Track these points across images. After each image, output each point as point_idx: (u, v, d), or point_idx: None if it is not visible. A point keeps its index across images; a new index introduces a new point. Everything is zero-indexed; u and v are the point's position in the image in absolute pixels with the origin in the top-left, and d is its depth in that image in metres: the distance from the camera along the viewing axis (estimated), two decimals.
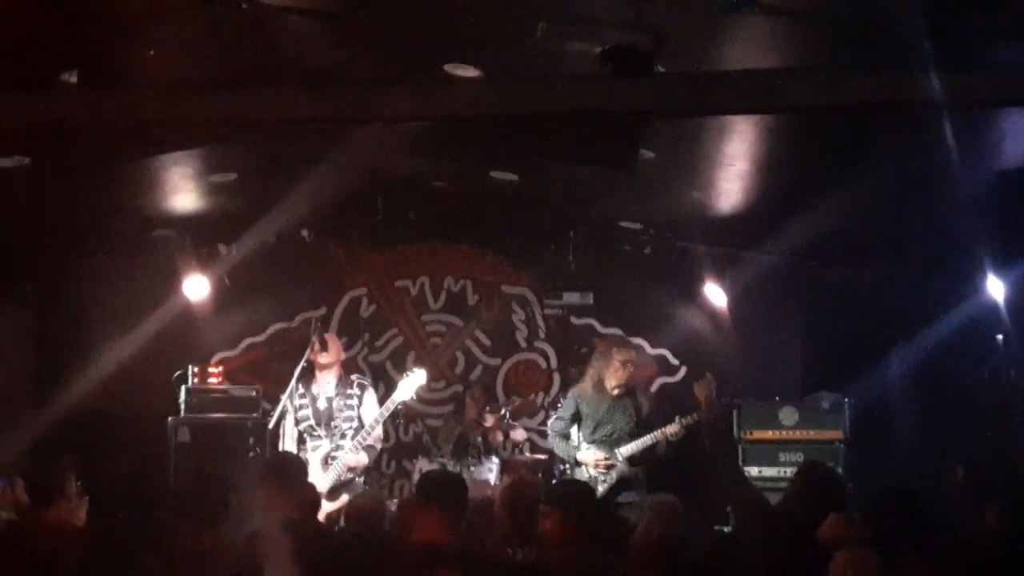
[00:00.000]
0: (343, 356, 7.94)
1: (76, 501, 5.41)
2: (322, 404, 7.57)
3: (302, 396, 7.60)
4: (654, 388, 9.53)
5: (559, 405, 9.02)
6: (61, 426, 8.61)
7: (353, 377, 7.85)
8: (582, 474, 7.76)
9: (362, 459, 7.46)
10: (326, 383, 7.64)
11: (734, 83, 5.18)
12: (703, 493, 7.72)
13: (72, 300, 9.53)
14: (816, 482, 4.90)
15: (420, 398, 8.03)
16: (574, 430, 7.99)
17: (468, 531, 4.81)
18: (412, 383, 7.60)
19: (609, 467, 7.72)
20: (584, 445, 7.85)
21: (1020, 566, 4.25)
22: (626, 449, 7.71)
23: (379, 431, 7.58)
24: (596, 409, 7.82)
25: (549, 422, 8.40)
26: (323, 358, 7.62)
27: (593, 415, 7.83)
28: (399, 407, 7.66)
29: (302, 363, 7.64)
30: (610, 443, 7.74)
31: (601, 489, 7.61)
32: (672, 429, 7.64)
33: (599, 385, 7.85)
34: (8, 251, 8.26)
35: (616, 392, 7.79)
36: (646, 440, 7.68)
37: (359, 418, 7.58)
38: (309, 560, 4.34)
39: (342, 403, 7.59)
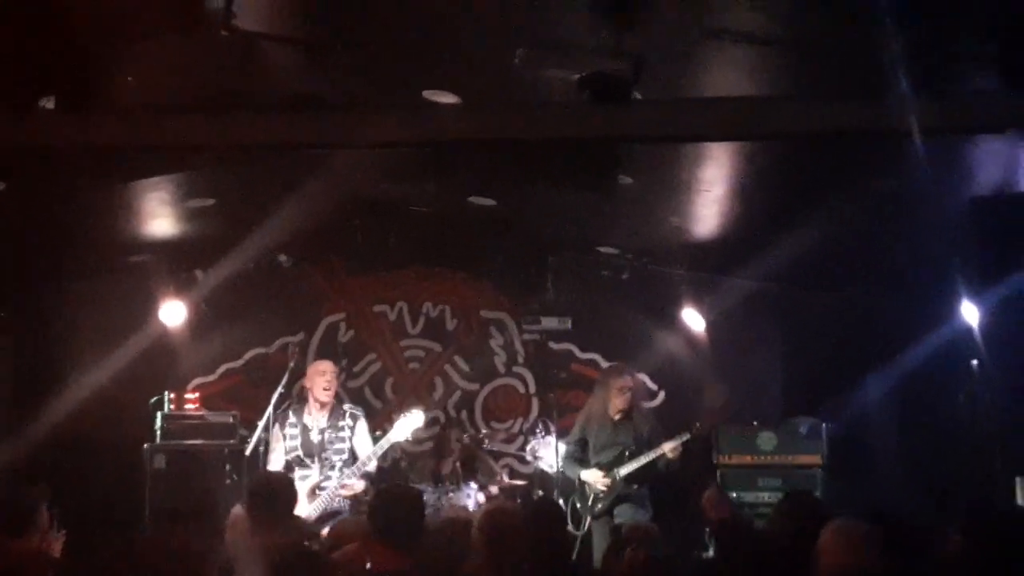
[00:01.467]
0: (337, 389, 7.91)
1: (51, 531, 5.35)
2: (315, 436, 7.53)
3: (293, 426, 7.55)
4: None
5: (538, 430, 9.06)
6: (36, 452, 8.51)
7: (345, 407, 7.82)
8: (586, 492, 8.03)
9: (359, 486, 7.41)
10: (320, 415, 7.61)
11: (711, 110, 5.22)
12: (682, 518, 7.78)
13: (48, 325, 9.46)
14: (799, 509, 4.92)
15: (408, 439, 8.01)
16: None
17: (445, 556, 4.79)
18: (409, 424, 7.61)
19: (609, 486, 7.91)
20: (588, 466, 8.10)
21: None
22: (625, 469, 7.88)
23: (375, 463, 7.56)
24: (599, 434, 8.07)
25: (561, 448, 8.44)
26: (324, 396, 7.61)
27: (596, 440, 8.09)
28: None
29: (279, 389, 7.60)
30: (611, 464, 7.97)
31: (601, 507, 7.91)
32: (670, 446, 7.79)
33: (602, 411, 8.10)
34: None
35: (618, 417, 8.03)
36: (642, 460, 7.84)
37: (351, 450, 7.56)
38: None
39: (334, 435, 7.56)
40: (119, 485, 8.51)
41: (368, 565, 4.48)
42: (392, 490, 5.22)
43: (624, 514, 7.84)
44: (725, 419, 8.53)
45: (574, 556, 7.82)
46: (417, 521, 4.69)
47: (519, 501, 8.62)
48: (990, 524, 4.36)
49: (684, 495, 8.09)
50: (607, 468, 7.95)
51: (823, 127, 5.12)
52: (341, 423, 7.60)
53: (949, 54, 4.88)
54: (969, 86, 5.21)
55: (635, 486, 7.95)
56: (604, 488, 7.92)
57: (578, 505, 8.07)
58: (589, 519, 7.98)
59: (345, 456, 7.53)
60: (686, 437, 7.82)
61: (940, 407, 7.91)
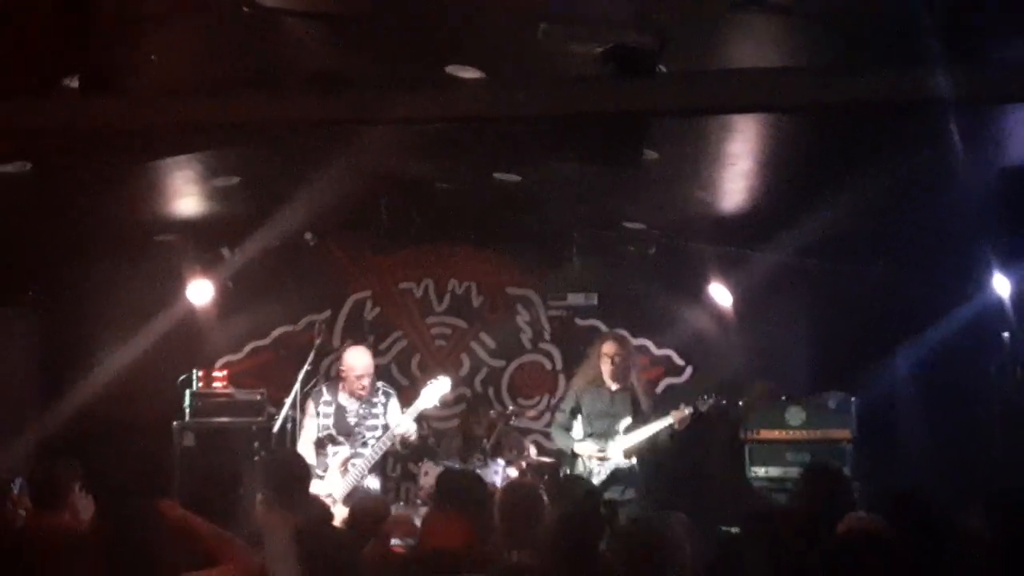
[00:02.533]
0: (372, 370, 7.91)
1: (81, 503, 5.40)
2: (351, 418, 7.57)
3: (327, 404, 7.60)
4: (660, 388, 9.51)
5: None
6: (66, 431, 8.61)
7: (379, 385, 7.85)
8: (579, 466, 7.81)
9: (412, 427, 7.48)
10: (356, 393, 7.64)
11: (737, 82, 5.16)
12: (705, 495, 7.76)
13: (76, 305, 9.53)
14: (823, 483, 4.89)
15: (435, 405, 8.03)
16: (576, 423, 8.04)
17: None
18: (436, 390, 7.65)
19: (603, 460, 7.74)
20: (582, 438, 7.91)
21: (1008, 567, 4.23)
22: (621, 442, 7.71)
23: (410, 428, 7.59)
24: (593, 403, 7.87)
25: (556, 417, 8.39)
26: (362, 393, 7.62)
27: (590, 409, 7.88)
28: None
29: (306, 367, 7.63)
30: (606, 437, 7.76)
31: (595, 481, 7.65)
32: (677, 415, 7.62)
33: (595, 379, 7.90)
34: (11, 257, 8.27)
35: (615, 387, 7.83)
36: (642, 433, 7.68)
37: (384, 426, 7.60)
38: (313, 561, 4.33)
39: (367, 411, 7.61)
40: (148, 463, 8.56)
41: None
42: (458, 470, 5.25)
43: (614, 492, 7.64)
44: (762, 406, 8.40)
45: None
46: (483, 498, 4.72)
47: (546, 478, 8.65)
48: (1012, 504, 4.33)
49: (709, 471, 8.09)
50: (602, 441, 7.76)
51: (851, 98, 5.06)
52: (375, 399, 7.65)
53: (979, 22, 4.80)
54: (1000, 54, 5.12)
55: (632, 461, 7.76)
56: (600, 462, 7.73)
57: None
58: None
59: (378, 432, 7.58)
60: (689, 411, 7.64)
61: (970, 380, 7.86)
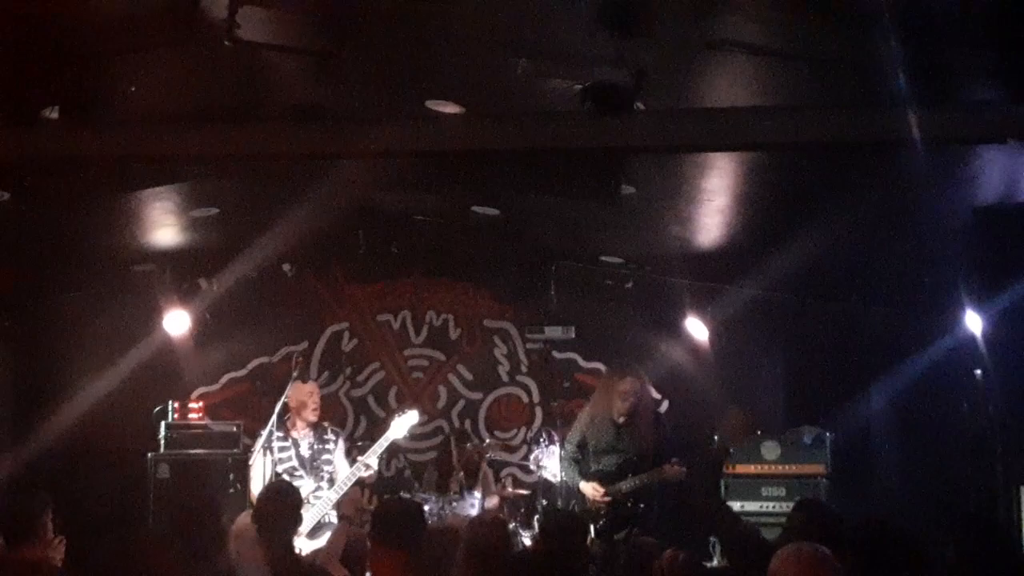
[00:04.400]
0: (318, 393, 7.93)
1: (52, 539, 5.34)
2: (304, 451, 7.57)
3: (282, 439, 7.56)
4: None
5: (541, 439, 9.01)
6: (40, 462, 8.54)
7: (326, 424, 7.86)
8: (586, 503, 7.68)
9: (373, 464, 7.46)
10: (305, 431, 7.65)
11: (713, 120, 5.23)
12: (685, 530, 7.74)
13: (52, 335, 9.47)
14: (815, 516, 4.91)
15: (405, 436, 8.02)
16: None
17: (437, 563, 4.79)
18: (405, 422, 7.67)
19: (609, 503, 7.60)
20: (588, 475, 7.74)
21: None
22: (626, 485, 7.59)
23: (375, 467, 7.56)
24: (600, 438, 7.72)
25: (556, 450, 8.32)
26: (313, 417, 7.63)
27: (596, 445, 7.74)
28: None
29: (282, 399, 7.61)
30: (613, 476, 7.63)
31: (602, 524, 7.55)
32: (671, 471, 7.47)
33: (603, 414, 7.75)
34: None
35: (621, 421, 7.66)
36: (643, 478, 7.54)
37: (334, 463, 7.62)
38: None
39: (321, 447, 7.62)
40: (123, 494, 8.52)
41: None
42: (394, 500, 5.21)
43: (620, 533, 7.54)
44: (744, 439, 8.37)
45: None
46: (417, 528, 4.69)
47: (522, 511, 8.64)
48: (981, 538, 4.36)
49: (688, 505, 8.08)
50: (607, 482, 7.63)
51: (825, 137, 5.14)
52: (326, 437, 7.69)
53: (950, 64, 4.88)
54: (970, 96, 5.21)
55: (641, 504, 7.62)
56: (604, 504, 7.60)
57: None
58: (591, 536, 7.77)
59: (332, 468, 7.59)
60: (683, 469, 7.48)
61: (943, 417, 7.90)
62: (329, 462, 7.61)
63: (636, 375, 7.83)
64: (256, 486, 7.45)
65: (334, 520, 7.38)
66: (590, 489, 7.63)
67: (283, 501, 5.19)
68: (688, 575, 4.40)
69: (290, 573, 4.67)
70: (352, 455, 7.79)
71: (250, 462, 7.62)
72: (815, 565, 3.80)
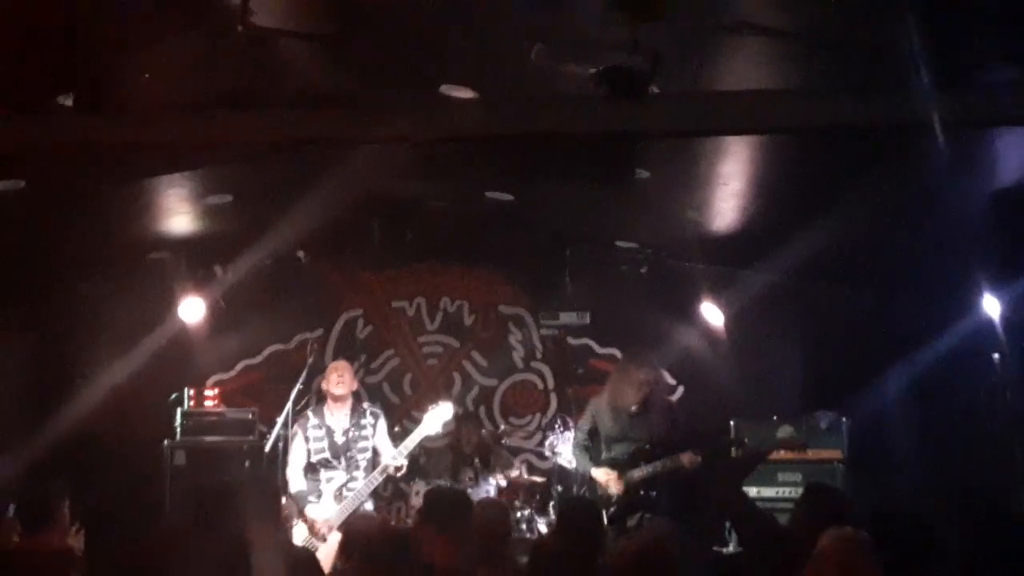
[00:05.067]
0: (355, 386, 7.87)
1: (70, 526, 5.37)
2: (339, 438, 7.50)
3: (317, 427, 7.51)
4: None
5: (556, 425, 9.01)
6: (57, 450, 8.55)
7: (365, 406, 7.81)
8: (598, 490, 7.60)
9: (403, 461, 7.41)
10: (341, 415, 7.57)
11: (729, 104, 5.20)
12: (700, 515, 7.72)
13: (67, 323, 9.50)
14: (819, 498, 4.90)
15: (416, 419, 8.01)
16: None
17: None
18: (438, 416, 7.59)
19: (621, 490, 7.51)
20: (599, 463, 7.66)
21: None
22: (639, 473, 7.49)
23: (405, 459, 7.50)
24: (612, 426, 7.61)
25: (571, 436, 8.27)
26: (338, 390, 7.58)
27: (609, 432, 7.63)
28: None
29: (297, 386, 7.61)
30: (625, 463, 7.54)
31: (614, 511, 7.47)
32: (688, 459, 7.36)
33: (616, 402, 7.63)
34: (3, 274, 8.24)
35: (634, 409, 7.55)
36: (657, 466, 7.43)
37: (373, 448, 7.55)
38: None
39: (357, 434, 7.53)
40: (139, 482, 8.55)
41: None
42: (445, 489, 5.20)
43: (635, 520, 7.46)
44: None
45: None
46: (468, 518, 4.73)
47: (537, 497, 8.64)
48: (990, 525, 4.35)
49: (705, 491, 8.05)
50: (620, 469, 7.53)
51: (842, 121, 5.10)
52: (363, 421, 7.58)
53: (969, 46, 4.84)
54: (989, 78, 5.16)
55: (652, 492, 7.52)
56: (616, 492, 7.50)
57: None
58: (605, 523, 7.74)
59: (369, 455, 7.51)
60: (699, 459, 7.36)
61: (961, 401, 7.86)
62: (366, 449, 7.52)
63: (650, 364, 7.74)
64: (292, 472, 7.44)
65: (364, 509, 7.36)
66: (603, 475, 7.55)
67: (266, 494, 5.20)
68: (646, 565, 4.31)
69: (302, 558, 4.68)
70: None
71: (267, 448, 7.62)
72: (861, 552, 3.81)
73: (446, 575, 4.35)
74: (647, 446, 7.53)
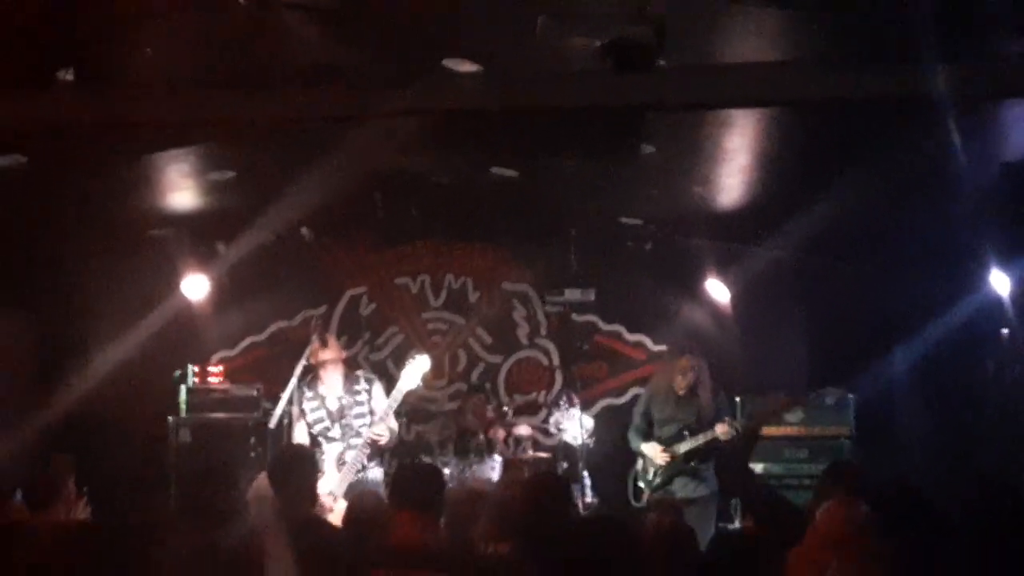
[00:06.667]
0: (344, 354, 7.87)
1: (75, 500, 5.38)
2: (332, 404, 7.50)
3: (311, 399, 7.52)
4: None
5: (561, 402, 9.01)
6: (62, 427, 8.58)
7: (359, 373, 7.79)
8: (646, 465, 7.97)
9: (382, 432, 7.34)
10: (333, 383, 7.57)
11: (735, 77, 5.15)
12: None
13: (71, 300, 9.49)
14: (841, 474, 4.90)
15: (423, 397, 7.98)
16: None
17: (461, 527, 4.79)
18: (416, 369, 7.51)
19: (668, 461, 7.82)
20: (649, 438, 8.03)
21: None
22: (684, 446, 7.79)
23: (392, 418, 7.50)
24: (662, 410, 8.01)
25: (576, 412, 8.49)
26: (324, 355, 7.55)
27: (660, 414, 8.03)
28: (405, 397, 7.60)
29: (302, 362, 7.59)
30: (671, 439, 7.89)
31: (659, 480, 7.84)
32: (721, 429, 7.66)
33: (667, 388, 8.04)
34: (6, 251, 8.23)
35: (682, 392, 7.94)
36: (700, 439, 7.74)
37: (371, 412, 7.53)
38: (308, 557, 4.32)
39: (351, 400, 7.52)
40: (144, 458, 8.57)
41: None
42: (411, 464, 5.19)
43: (684, 488, 7.77)
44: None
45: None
46: (437, 492, 4.69)
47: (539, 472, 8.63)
48: (994, 502, 4.33)
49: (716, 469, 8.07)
50: (667, 444, 7.86)
51: (850, 93, 5.05)
52: (357, 387, 7.56)
53: (978, 17, 4.78)
54: (999, 49, 5.10)
55: (693, 463, 7.82)
56: (663, 462, 7.82)
57: (639, 480, 8.01)
58: (648, 492, 7.89)
59: (367, 420, 7.49)
60: (737, 425, 7.70)
61: (969, 377, 7.85)
62: (362, 415, 7.51)
63: (692, 350, 8.07)
64: None
65: (372, 477, 7.37)
66: (650, 449, 7.91)
67: (296, 462, 5.19)
68: (675, 541, 4.37)
69: (310, 535, 4.66)
70: None
71: (271, 424, 7.60)
72: (860, 521, 3.81)
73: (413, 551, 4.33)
74: (694, 423, 7.84)
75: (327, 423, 7.46)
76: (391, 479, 4.94)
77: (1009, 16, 4.77)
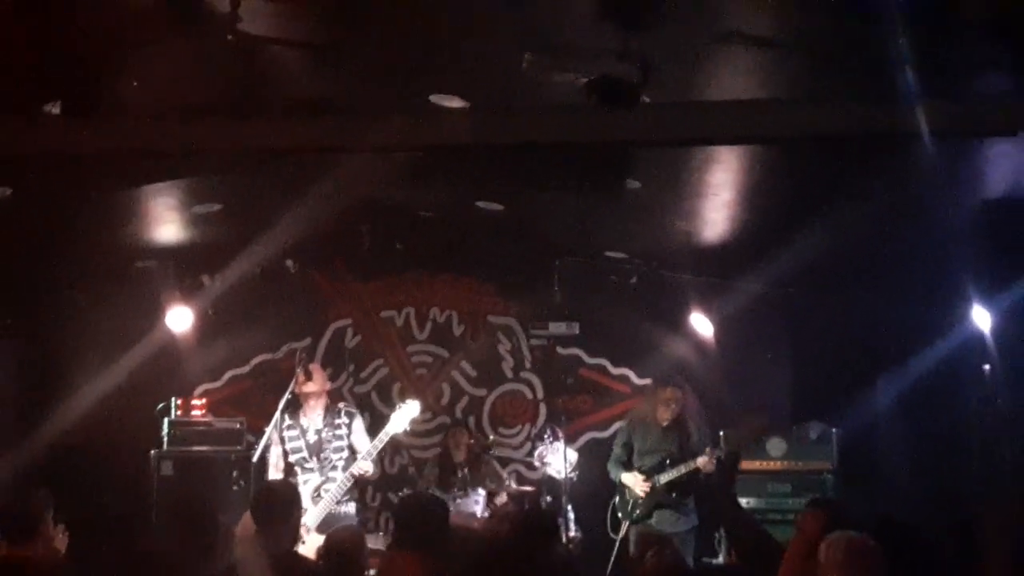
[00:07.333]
0: (328, 386, 7.88)
1: (55, 534, 5.32)
2: (311, 436, 7.50)
3: (290, 428, 7.52)
4: None
5: (546, 435, 8.98)
6: (43, 459, 8.51)
7: (340, 406, 7.80)
8: (626, 496, 8.02)
9: (368, 468, 7.35)
10: (314, 415, 7.58)
11: (720, 113, 5.20)
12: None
13: (54, 331, 9.44)
14: (825, 511, 4.91)
15: (406, 430, 7.97)
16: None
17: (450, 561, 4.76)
18: (405, 415, 7.55)
19: (648, 492, 7.88)
20: (630, 469, 8.10)
21: None
22: (665, 476, 7.86)
23: (374, 457, 7.49)
24: (644, 440, 8.10)
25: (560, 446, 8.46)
26: (308, 387, 7.57)
27: (640, 445, 8.11)
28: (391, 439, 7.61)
29: (287, 395, 7.57)
30: (652, 469, 7.95)
31: (639, 512, 7.89)
32: (703, 461, 7.70)
33: (649, 419, 8.12)
34: None
35: (665, 423, 8.01)
36: (681, 469, 7.79)
37: (349, 447, 7.52)
38: None
39: (331, 434, 7.53)
40: (126, 491, 8.50)
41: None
42: (417, 497, 5.15)
43: (664, 521, 7.79)
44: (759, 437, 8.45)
45: (611, 560, 7.83)
46: (443, 527, 4.67)
47: (527, 507, 8.59)
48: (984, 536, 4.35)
49: (697, 502, 8.07)
50: (648, 474, 7.92)
51: (832, 130, 5.11)
52: (337, 421, 7.58)
53: (959, 56, 4.84)
54: (979, 88, 5.17)
55: (675, 494, 7.89)
56: (643, 493, 7.87)
57: (618, 511, 8.02)
58: (627, 524, 7.90)
59: (345, 455, 7.50)
60: (719, 453, 7.72)
61: (951, 413, 7.86)
62: (341, 449, 7.50)
63: (676, 383, 8.19)
64: (272, 476, 7.42)
65: (345, 511, 7.34)
66: (631, 479, 7.97)
67: (279, 499, 5.17)
68: (672, 572, 4.38)
69: (290, 571, 4.64)
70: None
71: (255, 458, 7.57)
72: (864, 555, 3.82)
73: None
74: (676, 454, 7.92)
75: (304, 454, 7.48)
76: (394, 515, 4.92)
77: (990, 55, 4.84)
